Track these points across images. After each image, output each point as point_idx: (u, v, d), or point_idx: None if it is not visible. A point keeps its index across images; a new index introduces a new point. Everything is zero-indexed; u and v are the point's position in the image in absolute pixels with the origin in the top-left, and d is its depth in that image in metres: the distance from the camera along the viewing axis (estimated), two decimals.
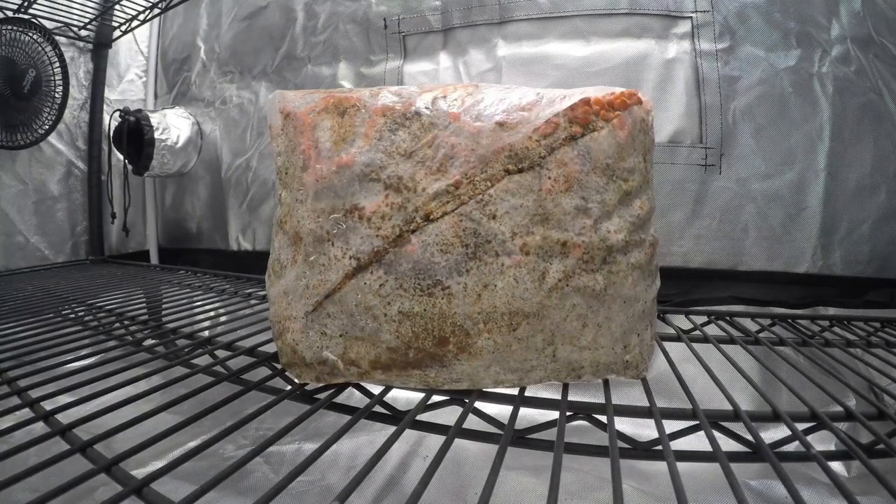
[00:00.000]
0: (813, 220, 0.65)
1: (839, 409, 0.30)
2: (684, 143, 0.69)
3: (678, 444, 0.26)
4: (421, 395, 0.31)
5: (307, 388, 0.33)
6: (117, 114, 0.94)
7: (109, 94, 1.04)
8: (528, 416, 0.33)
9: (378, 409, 0.31)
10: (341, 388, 0.32)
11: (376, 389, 0.32)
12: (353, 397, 0.32)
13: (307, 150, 0.31)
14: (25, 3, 0.83)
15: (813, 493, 0.49)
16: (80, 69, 0.99)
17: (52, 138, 0.94)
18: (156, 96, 1.10)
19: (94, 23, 0.95)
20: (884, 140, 0.64)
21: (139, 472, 0.23)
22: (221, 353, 0.41)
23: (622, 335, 0.30)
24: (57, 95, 0.90)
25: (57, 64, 0.89)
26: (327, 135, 0.30)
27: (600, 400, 0.30)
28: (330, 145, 0.30)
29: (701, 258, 0.69)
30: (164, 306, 0.63)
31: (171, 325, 0.49)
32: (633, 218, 0.30)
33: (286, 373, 0.34)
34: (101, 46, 0.99)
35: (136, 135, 0.93)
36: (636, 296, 0.30)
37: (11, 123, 0.85)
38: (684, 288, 0.70)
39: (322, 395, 0.32)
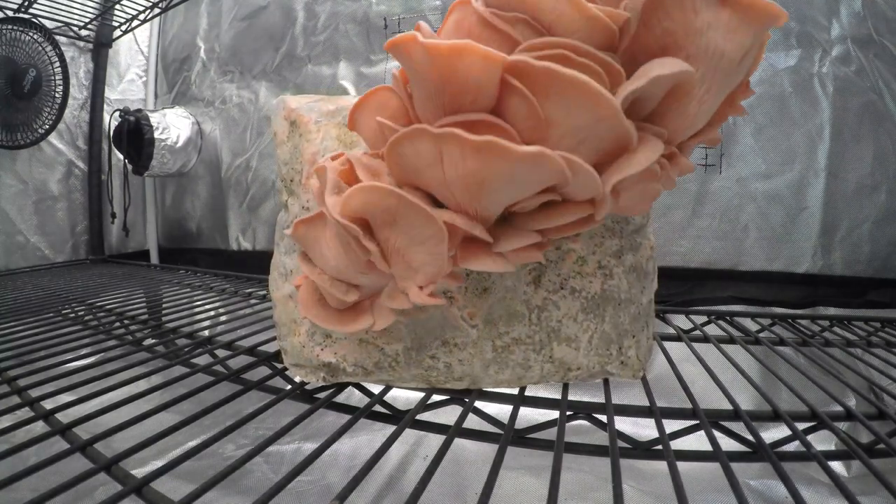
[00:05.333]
0: (813, 220, 0.65)
1: (839, 408, 0.30)
2: None
3: (678, 444, 0.26)
4: (421, 395, 0.31)
5: (307, 387, 0.33)
6: (117, 113, 0.94)
7: (109, 94, 1.04)
8: (528, 415, 0.33)
9: (378, 408, 0.31)
10: (341, 387, 0.32)
11: (376, 389, 0.32)
12: (353, 397, 0.32)
13: (313, 158, 0.31)
14: (26, 3, 0.83)
15: (813, 493, 0.49)
16: (81, 69, 0.99)
17: (53, 138, 0.94)
18: (156, 96, 1.10)
19: (94, 22, 0.95)
20: (884, 140, 0.64)
21: (139, 472, 0.23)
22: (221, 353, 0.41)
23: (617, 337, 0.30)
24: (57, 95, 0.90)
25: (57, 63, 0.89)
26: (334, 143, 0.31)
27: (600, 399, 0.30)
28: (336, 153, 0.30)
29: (701, 258, 0.69)
30: (164, 306, 0.63)
31: (171, 325, 0.49)
32: (629, 221, 0.30)
33: (287, 372, 0.34)
34: (101, 46, 0.99)
35: (136, 134, 0.93)
36: (631, 298, 0.30)
37: (12, 123, 0.85)
38: (684, 288, 0.70)
39: (322, 395, 0.32)
